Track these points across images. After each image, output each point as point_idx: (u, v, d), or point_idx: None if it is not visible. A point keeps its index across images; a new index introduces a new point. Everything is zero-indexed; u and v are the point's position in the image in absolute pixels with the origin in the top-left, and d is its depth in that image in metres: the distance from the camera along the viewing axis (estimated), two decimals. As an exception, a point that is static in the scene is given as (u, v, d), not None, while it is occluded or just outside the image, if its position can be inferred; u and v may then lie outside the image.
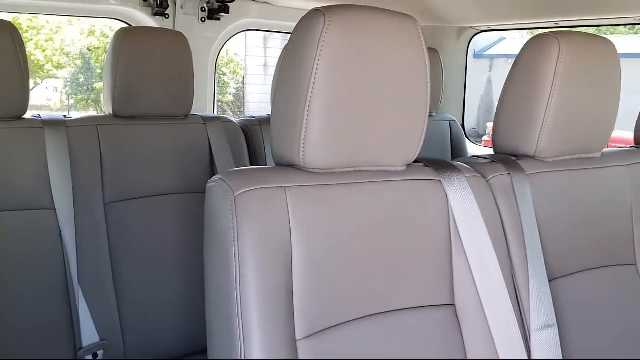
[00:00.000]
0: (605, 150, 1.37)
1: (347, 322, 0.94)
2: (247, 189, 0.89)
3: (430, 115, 2.57)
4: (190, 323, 1.70)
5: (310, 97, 0.92)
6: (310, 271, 0.91)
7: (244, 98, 11.42)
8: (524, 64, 1.23)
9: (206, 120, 1.85)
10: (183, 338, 1.71)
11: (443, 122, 2.57)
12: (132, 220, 1.68)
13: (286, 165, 0.98)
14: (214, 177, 0.95)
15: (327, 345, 0.91)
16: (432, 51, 2.44)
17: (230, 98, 11.74)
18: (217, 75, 2.45)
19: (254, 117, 2.07)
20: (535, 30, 2.51)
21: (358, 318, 0.95)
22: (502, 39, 14.55)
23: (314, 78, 0.91)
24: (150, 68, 1.71)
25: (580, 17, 2.19)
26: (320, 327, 0.91)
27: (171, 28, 2.21)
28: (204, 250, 0.95)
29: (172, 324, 1.70)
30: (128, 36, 1.72)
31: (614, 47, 1.28)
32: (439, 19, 2.49)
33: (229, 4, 2.27)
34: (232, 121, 1.94)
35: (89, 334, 1.55)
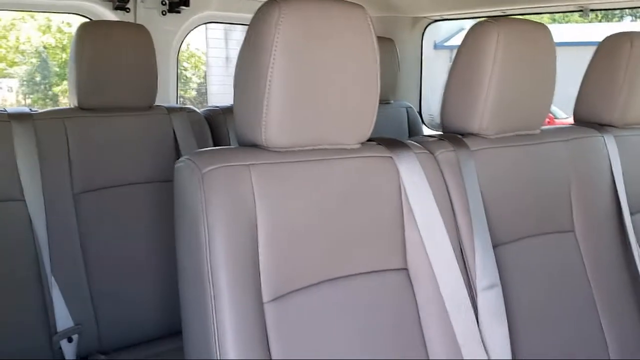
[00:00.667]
0: (545, 127, 1.48)
1: (309, 286, 1.03)
2: (214, 167, 0.97)
3: (387, 102, 2.67)
4: (163, 305, 1.76)
5: (269, 82, 0.99)
6: (273, 240, 0.99)
7: (206, 92, 11.38)
8: (467, 49, 1.33)
9: (170, 110, 1.91)
10: (156, 320, 1.77)
11: (400, 108, 2.67)
12: (102, 209, 1.73)
13: (249, 146, 1.06)
14: (182, 157, 1.02)
15: (290, 307, 0.99)
16: (388, 40, 2.53)
17: (193, 93, 11.69)
18: (178, 69, 2.50)
19: (217, 106, 2.13)
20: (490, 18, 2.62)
21: (319, 282, 1.04)
22: (462, 29, 14.79)
23: (272, 64, 0.99)
24: (113, 61, 1.76)
25: (528, 5, 2.31)
26: (284, 290, 1.00)
27: (132, 21, 2.25)
28: (175, 227, 1.02)
29: (145, 307, 1.76)
30: (91, 30, 1.76)
31: (549, 31, 1.39)
32: (394, 9, 2.59)
33: (189, -3, 2.32)
34: (195, 111, 2.00)
35: (63, 319, 1.60)
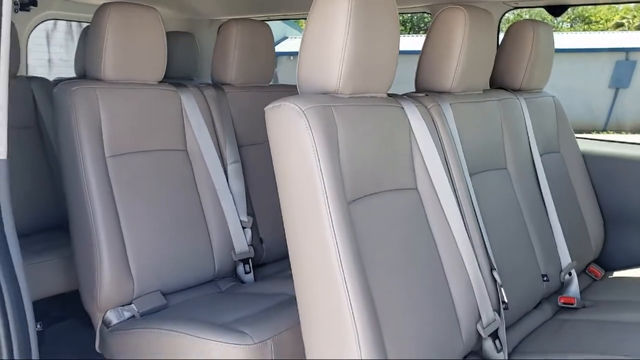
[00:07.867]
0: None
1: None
2: (76, 87, 1.85)
3: (191, 79, 3.62)
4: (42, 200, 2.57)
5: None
6: (113, 132, 1.92)
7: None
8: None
9: (29, 78, 2.74)
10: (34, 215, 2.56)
11: (200, 84, 3.63)
12: None
13: (93, 79, 1.95)
14: (58, 85, 1.89)
15: (126, 165, 1.94)
16: (189, 34, 3.48)
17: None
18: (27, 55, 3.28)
19: (63, 77, 2.97)
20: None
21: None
22: (285, 38, 16.09)
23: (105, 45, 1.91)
24: None
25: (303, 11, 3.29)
26: (121, 152, 1.93)
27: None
28: (57, 136, 1.89)
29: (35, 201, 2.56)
30: None
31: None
32: (194, 13, 3.53)
33: (36, -1, 3.11)
34: (48, 80, 2.84)
35: None
